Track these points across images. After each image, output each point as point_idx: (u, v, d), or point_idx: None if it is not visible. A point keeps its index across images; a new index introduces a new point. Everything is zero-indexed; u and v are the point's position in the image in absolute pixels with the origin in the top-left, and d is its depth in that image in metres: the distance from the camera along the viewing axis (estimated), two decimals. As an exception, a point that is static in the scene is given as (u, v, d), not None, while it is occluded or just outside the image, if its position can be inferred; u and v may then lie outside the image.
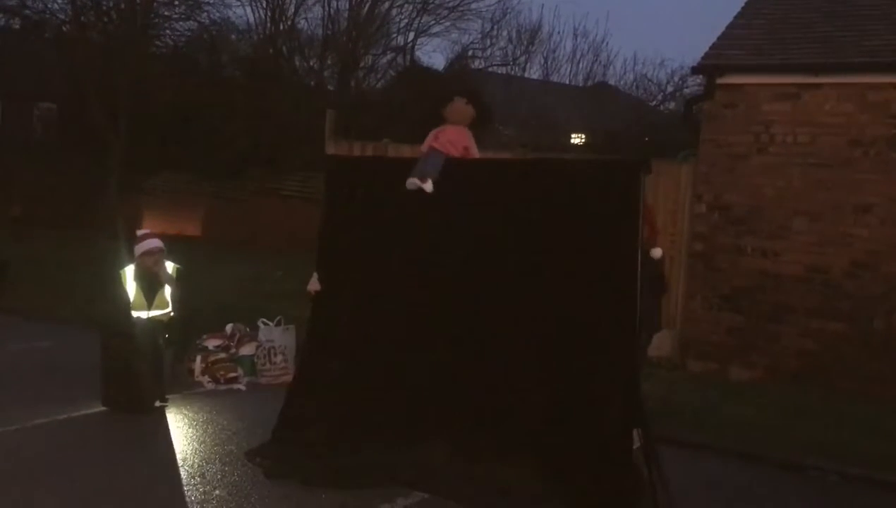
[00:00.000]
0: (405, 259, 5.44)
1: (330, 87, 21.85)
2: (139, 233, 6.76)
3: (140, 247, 6.67)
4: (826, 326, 8.11)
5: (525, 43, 24.50)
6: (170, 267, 6.89)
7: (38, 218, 18.07)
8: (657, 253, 5.40)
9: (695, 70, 9.00)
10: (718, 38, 8.85)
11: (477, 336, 5.14)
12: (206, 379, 7.33)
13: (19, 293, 10.39)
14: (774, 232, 8.37)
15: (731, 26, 9.04)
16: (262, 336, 7.58)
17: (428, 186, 5.18)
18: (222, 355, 7.52)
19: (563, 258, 4.91)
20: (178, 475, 5.17)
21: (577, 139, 21.98)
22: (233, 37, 23.20)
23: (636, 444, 4.89)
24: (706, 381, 8.10)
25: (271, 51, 21.67)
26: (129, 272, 6.81)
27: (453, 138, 5.35)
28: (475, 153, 5.46)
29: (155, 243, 6.78)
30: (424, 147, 5.42)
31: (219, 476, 5.17)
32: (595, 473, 4.65)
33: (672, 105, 21.61)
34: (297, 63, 21.84)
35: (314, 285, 5.83)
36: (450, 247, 5.28)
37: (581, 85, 26.76)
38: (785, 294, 8.28)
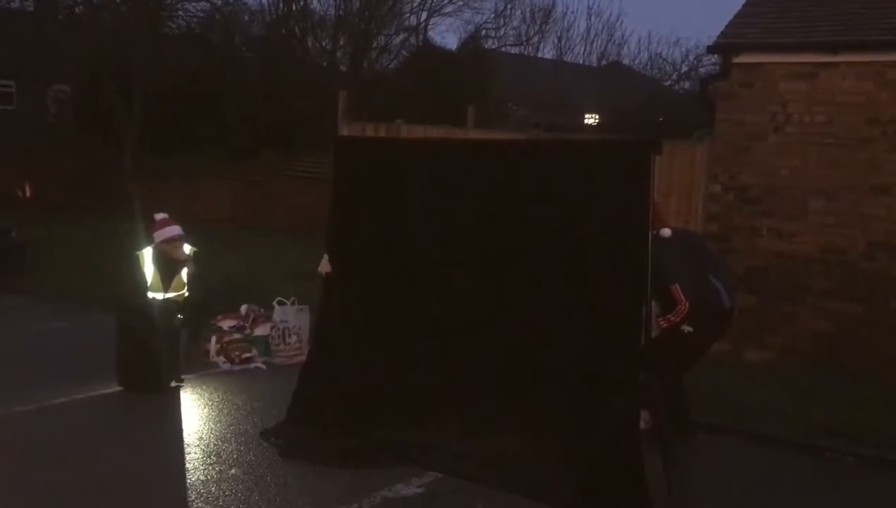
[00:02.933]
0: (416, 239, 5.44)
1: (342, 68, 21.81)
2: (157, 217, 6.78)
3: (160, 234, 6.70)
4: (842, 307, 8.04)
5: (538, 22, 24.34)
6: (187, 249, 6.93)
7: (52, 200, 18.14)
8: (666, 232, 5.38)
9: (710, 49, 8.91)
10: (735, 17, 8.74)
11: (489, 316, 5.14)
12: (221, 359, 7.37)
13: (35, 274, 10.47)
14: (790, 212, 8.29)
15: (747, 4, 8.92)
16: (276, 316, 7.61)
17: None
18: (237, 335, 7.57)
19: (573, 237, 4.89)
20: (194, 454, 5.22)
21: (590, 119, 21.87)
22: (245, 18, 23.16)
23: (644, 425, 4.91)
24: (719, 362, 8.06)
25: (283, 31, 21.61)
26: (146, 254, 6.86)
27: None
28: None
29: (175, 230, 6.81)
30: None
31: (234, 456, 5.21)
32: (603, 455, 4.65)
33: (687, 84, 21.44)
34: (310, 44, 21.78)
35: (325, 266, 5.85)
36: (461, 226, 5.27)
37: (595, 64, 26.58)
38: (800, 275, 8.22)
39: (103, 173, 18.62)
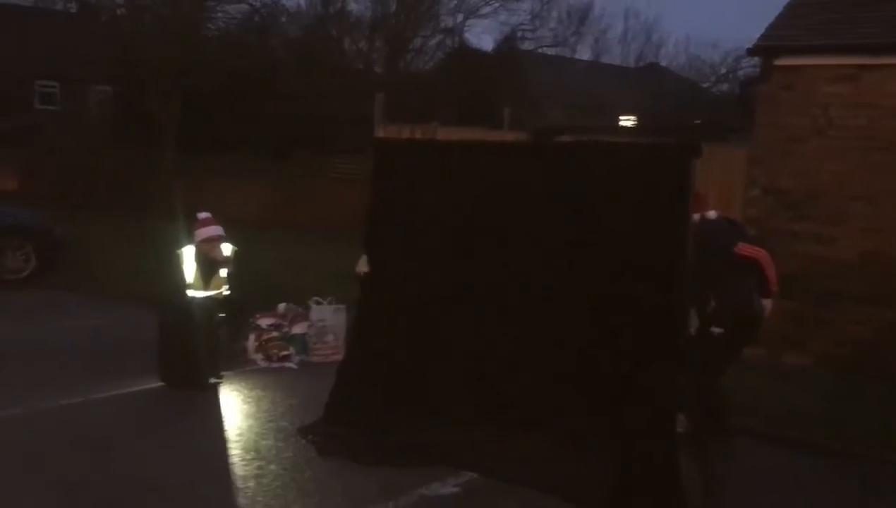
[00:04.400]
0: (453, 240, 5.47)
1: (377, 70, 21.94)
2: (200, 216, 6.89)
3: (201, 233, 6.80)
4: (882, 314, 7.93)
5: (575, 24, 24.27)
6: (227, 249, 7.03)
7: (94, 198, 18.48)
8: (712, 214, 5.45)
9: (751, 51, 8.82)
10: (776, 19, 8.66)
11: (526, 317, 5.16)
12: (259, 356, 7.49)
13: (76, 271, 10.69)
14: (830, 217, 8.20)
15: (788, 6, 8.83)
16: (313, 315, 7.70)
17: None
18: (275, 334, 7.67)
19: (611, 240, 4.89)
20: (234, 450, 5.31)
21: (626, 121, 21.71)
22: (283, 19, 23.41)
23: (680, 429, 4.90)
24: (756, 367, 8.00)
25: (320, 33, 21.81)
26: (187, 252, 6.97)
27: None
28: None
29: (216, 230, 6.90)
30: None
31: (273, 452, 5.30)
32: (638, 458, 4.65)
33: (725, 86, 21.24)
34: (346, 45, 21.94)
35: (362, 266, 5.92)
36: (497, 229, 5.29)
37: (632, 66, 26.43)
38: (840, 280, 8.12)
39: (142, 173, 18.93)
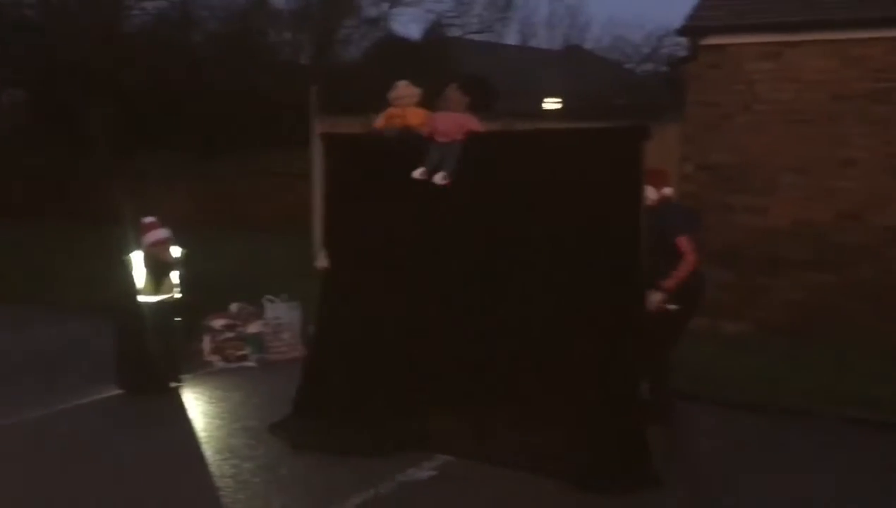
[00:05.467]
0: (411, 230, 5.56)
1: (304, 62, 21.71)
2: (145, 221, 6.80)
3: (149, 238, 6.72)
4: (815, 278, 8.36)
5: (500, 9, 24.48)
6: (176, 251, 6.96)
7: (13, 205, 17.88)
8: (669, 190, 5.64)
9: (679, 32, 9.12)
10: (701, 0, 8.97)
11: (489, 302, 5.30)
12: (216, 358, 7.44)
13: (7, 281, 10.38)
14: (762, 188, 8.58)
15: (712, -13, 9.16)
16: (268, 313, 7.69)
17: (443, 179, 5.28)
18: (230, 334, 7.63)
19: (567, 222, 5.07)
20: (206, 451, 5.31)
21: (551, 104, 22.04)
22: (204, 14, 22.91)
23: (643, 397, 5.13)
24: (699, 336, 8.32)
25: (243, 27, 21.46)
26: (136, 258, 6.88)
27: (454, 125, 5.41)
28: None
29: (164, 233, 6.83)
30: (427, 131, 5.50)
31: (245, 451, 5.32)
32: (609, 428, 4.84)
33: (650, 66, 21.76)
34: (272, 38, 21.65)
35: (322, 261, 5.95)
36: (458, 217, 5.40)
37: (560, 49, 26.81)
38: (774, 248, 8.52)
39: (66, 177, 18.38)
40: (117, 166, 18.17)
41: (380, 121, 5.72)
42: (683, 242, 5.41)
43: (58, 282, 10.38)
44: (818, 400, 6.27)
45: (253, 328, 7.71)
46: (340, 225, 5.88)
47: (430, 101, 5.79)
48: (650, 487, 4.68)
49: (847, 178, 8.19)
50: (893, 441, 5.70)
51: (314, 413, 5.60)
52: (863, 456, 5.42)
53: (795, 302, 8.45)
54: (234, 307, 8.02)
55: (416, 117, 5.63)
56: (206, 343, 7.54)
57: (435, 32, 21.67)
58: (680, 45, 18.91)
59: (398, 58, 18.18)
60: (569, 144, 5.26)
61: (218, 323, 7.73)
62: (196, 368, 7.15)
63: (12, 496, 4.63)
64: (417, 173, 5.34)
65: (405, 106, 5.67)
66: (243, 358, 7.49)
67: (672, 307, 5.36)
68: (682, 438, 5.21)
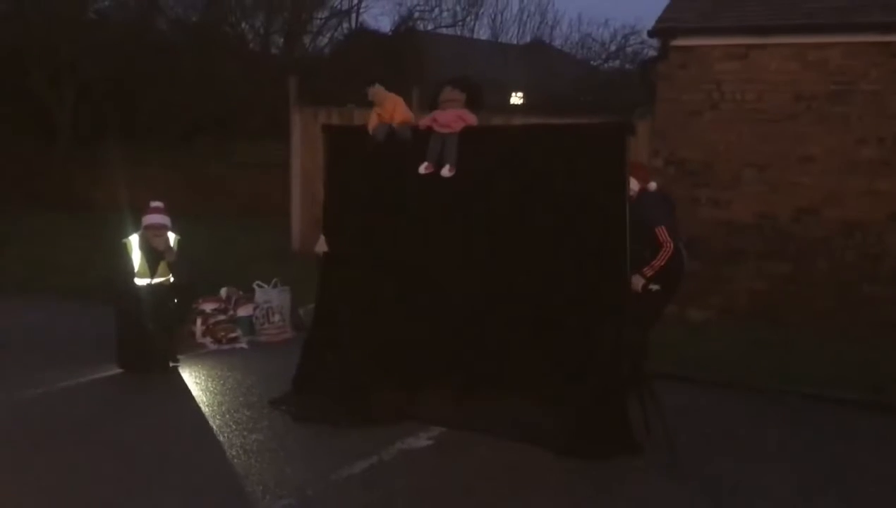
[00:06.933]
0: (409, 215, 5.92)
1: (274, 52, 21.82)
2: (152, 204, 7.01)
3: (145, 220, 6.93)
4: (775, 268, 8.91)
5: (471, 4, 24.82)
6: (171, 238, 7.18)
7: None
8: (652, 185, 6.06)
9: (650, 33, 9.58)
10: (672, 1, 9.44)
11: (482, 281, 5.69)
12: (208, 340, 7.70)
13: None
14: (726, 183, 9.09)
15: (682, -10, 9.63)
16: (259, 297, 7.97)
17: (449, 172, 5.62)
18: (221, 317, 7.88)
19: (556, 209, 5.47)
20: (213, 424, 5.59)
21: (516, 99, 22.48)
22: (170, 1, 22.84)
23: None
24: (666, 323, 8.79)
25: (214, 16, 21.49)
26: (133, 240, 7.08)
27: (454, 116, 5.76)
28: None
29: (155, 218, 6.98)
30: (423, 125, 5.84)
31: (250, 424, 5.60)
32: (592, 400, 5.25)
33: (616, 63, 22.30)
34: (244, 27, 21.72)
35: (322, 246, 6.27)
36: (452, 203, 5.78)
37: (518, 44, 27.23)
38: (737, 239, 9.04)
39: (30, 165, 18.25)
40: (83, 154, 18.13)
41: (372, 122, 6.03)
42: (662, 232, 5.84)
43: (26, 268, 10.49)
44: (780, 379, 6.77)
45: (243, 311, 7.98)
46: (339, 211, 6.20)
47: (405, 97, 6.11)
48: (632, 453, 5.10)
49: (805, 175, 8.74)
50: (847, 414, 6.22)
51: (314, 387, 5.92)
52: (818, 427, 5.93)
53: (755, 290, 8.98)
54: (223, 291, 8.27)
55: (401, 115, 5.95)
56: (198, 325, 7.78)
57: (405, 25, 21.94)
58: (646, 44, 19.51)
59: (368, 50, 18.45)
60: (560, 137, 5.65)
61: (208, 306, 7.98)
62: (188, 349, 7.38)
63: (32, 473, 4.85)
64: (423, 168, 5.69)
65: (381, 102, 5.97)
66: (235, 339, 7.75)
67: (654, 288, 5.78)
68: (659, 412, 5.62)
